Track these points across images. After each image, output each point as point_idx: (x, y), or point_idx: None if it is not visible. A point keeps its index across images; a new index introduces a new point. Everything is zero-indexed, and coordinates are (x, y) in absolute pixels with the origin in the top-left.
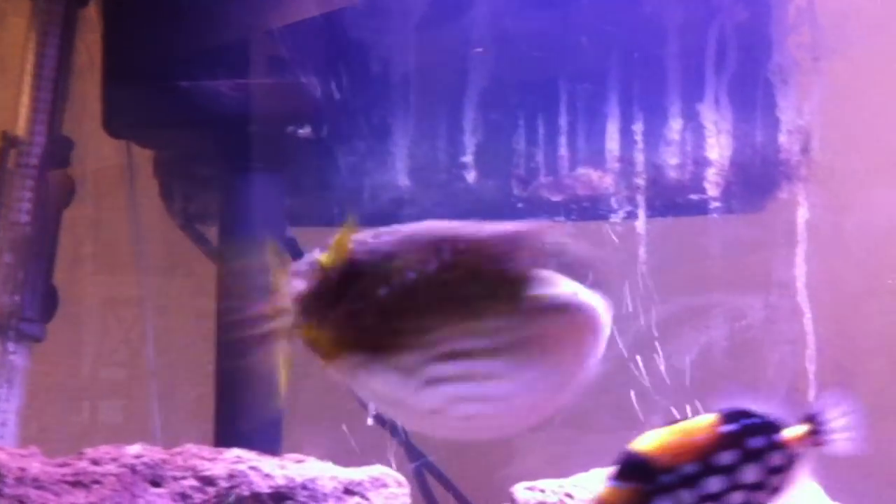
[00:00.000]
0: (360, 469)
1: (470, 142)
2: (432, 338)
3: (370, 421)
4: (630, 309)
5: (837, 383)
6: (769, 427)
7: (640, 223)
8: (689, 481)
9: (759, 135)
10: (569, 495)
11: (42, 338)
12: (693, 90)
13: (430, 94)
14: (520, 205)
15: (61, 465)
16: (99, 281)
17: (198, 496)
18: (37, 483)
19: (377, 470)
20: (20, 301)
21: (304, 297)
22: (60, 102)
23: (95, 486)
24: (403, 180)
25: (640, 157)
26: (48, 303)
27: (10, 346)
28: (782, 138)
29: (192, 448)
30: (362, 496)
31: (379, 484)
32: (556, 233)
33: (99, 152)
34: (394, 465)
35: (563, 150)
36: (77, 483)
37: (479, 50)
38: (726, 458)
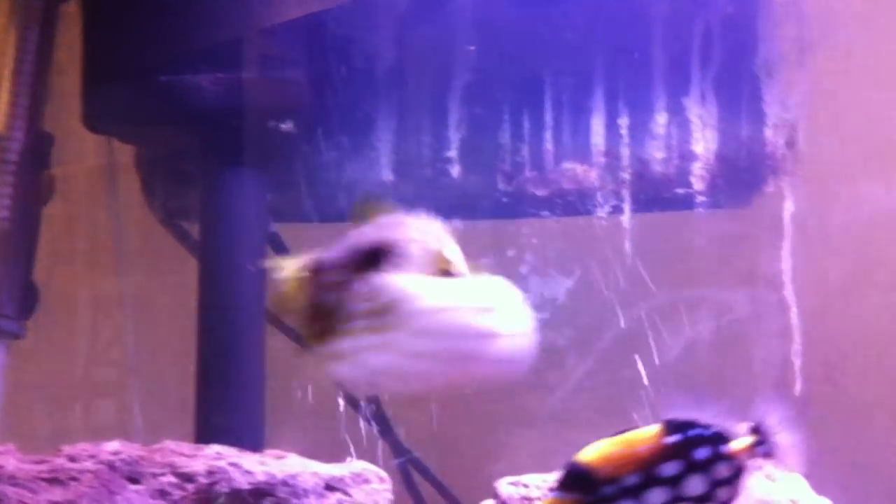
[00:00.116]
0: (341, 465)
1: (454, 136)
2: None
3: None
4: (615, 304)
5: (823, 379)
6: (715, 438)
7: (626, 218)
8: (632, 492)
9: (745, 129)
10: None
11: (21, 335)
12: (678, 84)
13: (414, 88)
14: (505, 199)
15: (38, 462)
16: (82, 278)
17: (177, 493)
18: (13, 480)
19: (359, 466)
20: None
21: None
22: (41, 98)
23: (73, 484)
24: (387, 175)
25: (625, 152)
26: (27, 300)
27: None
28: (768, 132)
29: (171, 445)
30: (344, 492)
31: (361, 480)
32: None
33: (80, 148)
34: (381, 462)
35: (549, 145)
36: (54, 480)
37: (472, 48)
38: (670, 469)
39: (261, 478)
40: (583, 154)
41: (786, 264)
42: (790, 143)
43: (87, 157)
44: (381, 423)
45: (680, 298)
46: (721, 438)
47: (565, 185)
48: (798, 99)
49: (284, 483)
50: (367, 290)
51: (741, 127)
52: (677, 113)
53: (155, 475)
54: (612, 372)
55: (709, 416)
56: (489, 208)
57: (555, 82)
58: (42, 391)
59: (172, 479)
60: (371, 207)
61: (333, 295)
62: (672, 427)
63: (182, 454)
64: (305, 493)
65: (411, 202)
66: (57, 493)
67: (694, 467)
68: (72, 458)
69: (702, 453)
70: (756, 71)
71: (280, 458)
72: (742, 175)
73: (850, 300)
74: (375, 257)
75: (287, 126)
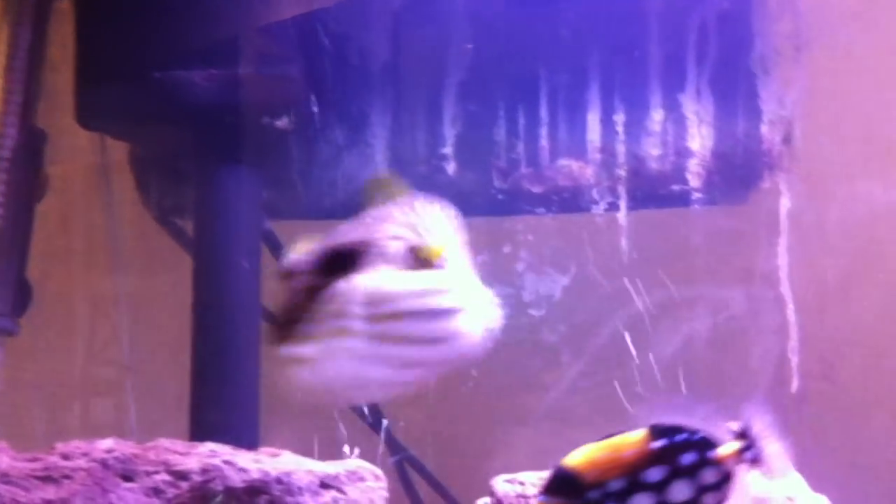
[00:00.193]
0: (336, 463)
1: (450, 133)
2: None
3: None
4: (611, 302)
5: (819, 376)
6: (702, 443)
7: (622, 215)
8: (617, 497)
9: (741, 125)
10: None
11: (15, 332)
12: (674, 80)
13: (408, 85)
14: (500, 196)
15: (31, 460)
16: (76, 276)
17: (170, 491)
18: (6, 478)
19: (354, 463)
20: None
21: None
22: (34, 95)
23: (66, 481)
24: (382, 172)
25: (621, 148)
26: (21, 297)
27: None
28: (764, 129)
29: (165, 442)
30: (339, 490)
31: (356, 478)
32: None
33: (74, 146)
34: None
35: (544, 142)
36: (47, 478)
37: (469, 46)
38: (655, 474)
39: (255, 475)
40: (578, 151)
41: (782, 261)
42: (786, 140)
43: (81, 154)
44: (378, 420)
45: (676, 296)
46: (708, 444)
47: (561, 181)
48: (794, 95)
49: (279, 481)
50: (331, 295)
51: (737, 123)
52: (673, 109)
53: (149, 473)
54: (608, 370)
55: (697, 421)
56: (484, 205)
57: (550, 79)
58: (37, 389)
59: (166, 476)
60: (381, 189)
61: (301, 298)
62: (658, 432)
63: (176, 452)
64: (300, 490)
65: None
66: (50, 491)
67: (680, 472)
68: (65, 456)
69: (688, 458)
70: (752, 67)
71: (274, 455)
72: (738, 172)
73: (848, 297)
74: (350, 258)
75: (281, 123)
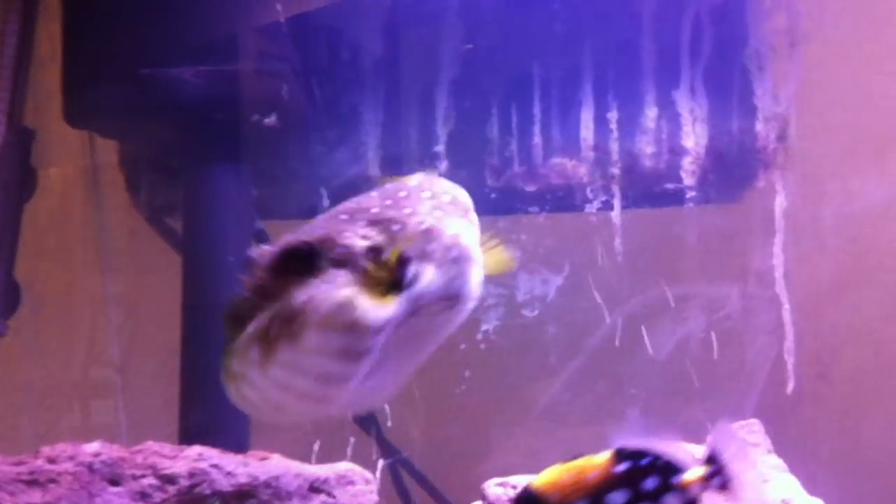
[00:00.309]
0: (325, 466)
1: (442, 131)
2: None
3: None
4: (606, 301)
5: (815, 376)
6: (666, 468)
7: (616, 213)
8: None
9: (736, 123)
10: None
11: (3, 333)
12: (668, 77)
13: (401, 82)
14: (493, 195)
15: (16, 464)
16: (66, 277)
17: (158, 495)
18: None
19: (343, 466)
20: None
21: None
22: (21, 92)
23: (52, 486)
24: (374, 170)
25: (614, 146)
26: (10, 298)
27: None
28: (759, 126)
29: (153, 446)
30: (328, 494)
31: (345, 481)
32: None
33: (64, 144)
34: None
35: (537, 139)
36: (33, 482)
37: (469, 46)
38: (618, 498)
39: (243, 479)
40: (572, 149)
41: (777, 260)
42: (781, 137)
43: (70, 153)
44: (371, 423)
45: (671, 295)
46: (672, 468)
47: (554, 180)
48: (790, 92)
49: (267, 485)
50: (281, 309)
51: (732, 121)
52: (667, 107)
53: (136, 477)
54: (602, 370)
55: (663, 444)
56: (477, 204)
57: (543, 76)
58: (25, 391)
59: (153, 480)
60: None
61: (251, 300)
62: (623, 455)
63: (163, 455)
64: (289, 495)
65: None
66: (36, 496)
67: (642, 497)
68: (51, 460)
69: (651, 483)
70: (747, 64)
71: (263, 459)
72: (733, 170)
73: (843, 296)
74: (307, 258)
75: (271, 120)
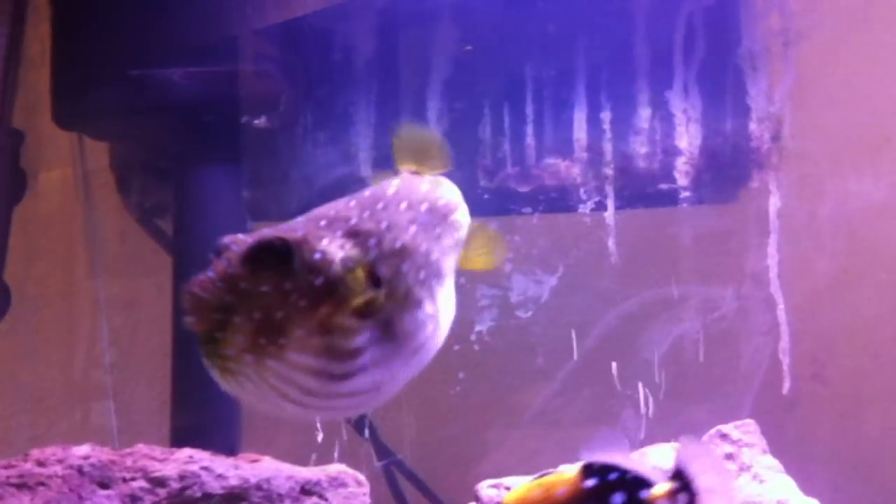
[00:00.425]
0: (317, 468)
1: (435, 132)
2: None
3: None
4: (599, 302)
5: (810, 377)
6: (633, 483)
7: (610, 214)
8: None
9: (730, 123)
10: None
11: None
12: (662, 77)
13: (393, 82)
14: (486, 196)
15: (6, 467)
16: (56, 279)
17: (148, 498)
18: None
19: (335, 468)
20: None
21: None
22: (10, 94)
23: (41, 489)
24: (366, 171)
25: (608, 147)
26: (0, 300)
27: None
28: (753, 126)
29: (143, 448)
30: (320, 496)
31: (337, 483)
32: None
33: (53, 146)
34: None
35: (530, 140)
36: (22, 485)
37: (468, 48)
38: None
39: (234, 482)
40: (565, 149)
41: (772, 260)
42: (775, 137)
43: (61, 155)
44: (365, 425)
45: (665, 296)
46: (639, 484)
47: (547, 181)
48: (783, 92)
49: (258, 487)
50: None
51: (726, 121)
52: (660, 107)
53: (126, 480)
54: (597, 371)
55: (631, 460)
56: (470, 205)
57: (536, 76)
58: (17, 393)
59: (144, 483)
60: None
61: (221, 289)
62: (591, 470)
63: (154, 458)
64: (280, 497)
65: None
66: (25, 499)
67: None
68: (40, 463)
69: (618, 499)
70: (740, 64)
71: (254, 461)
72: (727, 170)
73: (839, 297)
74: (280, 255)
75: (261, 121)
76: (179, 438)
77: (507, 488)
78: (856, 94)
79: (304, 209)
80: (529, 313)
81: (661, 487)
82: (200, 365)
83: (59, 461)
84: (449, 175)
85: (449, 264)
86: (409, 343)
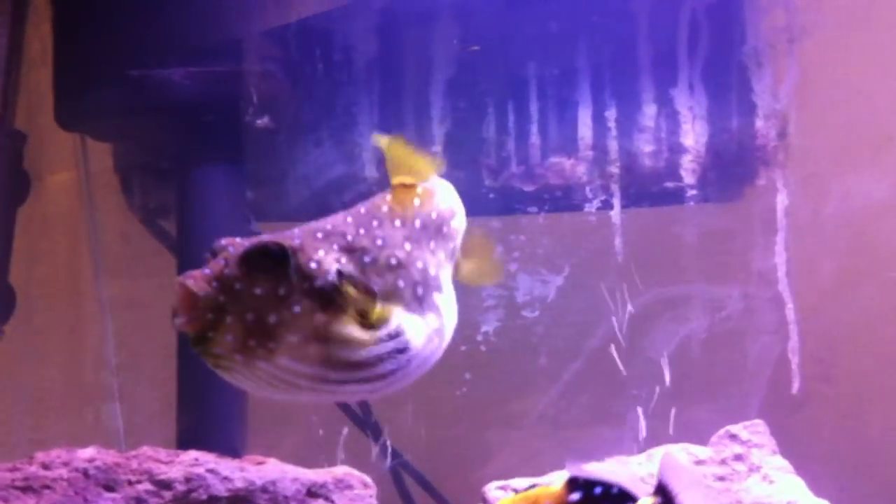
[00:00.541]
0: (323, 470)
1: (438, 131)
2: None
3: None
4: (605, 302)
5: (818, 377)
6: (618, 497)
7: (615, 213)
8: None
9: (735, 120)
10: None
11: None
12: (666, 75)
13: (396, 82)
14: (491, 196)
15: (11, 470)
16: (61, 281)
17: (153, 500)
18: None
19: (341, 470)
20: None
21: None
22: (12, 95)
23: (46, 492)
24: (371, 172)
25: (613, 145)
26: (5, 302)
27: None
28: (759, 123)
29: (148, 451)
30: (326, 498)
31: (343, 485)
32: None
33: (55, 147)
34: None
35: (535, 139)
36: (27, 488)
37: (475, 48)
38: None
39: (239, 484)
40: (570, 148)
41: (780, 259)
42: (781, 134)
43: (64, 157)
44: (371, 426)
45: (672, 295)
46: (624, 498)
47: (552, 180)
48: (788, 88)
49: (264, 490)
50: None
51: (731, 118)
52: (665, 105)
53: (131, 482)
54: (602, 372)
55: (616, 473)
56: (475, 205)
57: (540, 75)
58: (21, 395)
59: (149, 486)
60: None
61: (217, 289)
62: (576, 484)
63: (159, 461)
64: (286, 500)
65: None
66: (30, 502)
67: None
68: (45, 466)
69: None
70: (745, 60)
71: (260, 463)
72: (733, 168)
73: (846, 295)
74: (279, 259)
75: (264, 121)
76: (184, 440)
77: (515, 490)
78: (862, 91)
79: (306, 209)
80: (536, 313)
81: (644, 502)
82: (205, 366)
83: (65, 464)
84: (453, 175)
85: (446, 274)
86: (409, 355)
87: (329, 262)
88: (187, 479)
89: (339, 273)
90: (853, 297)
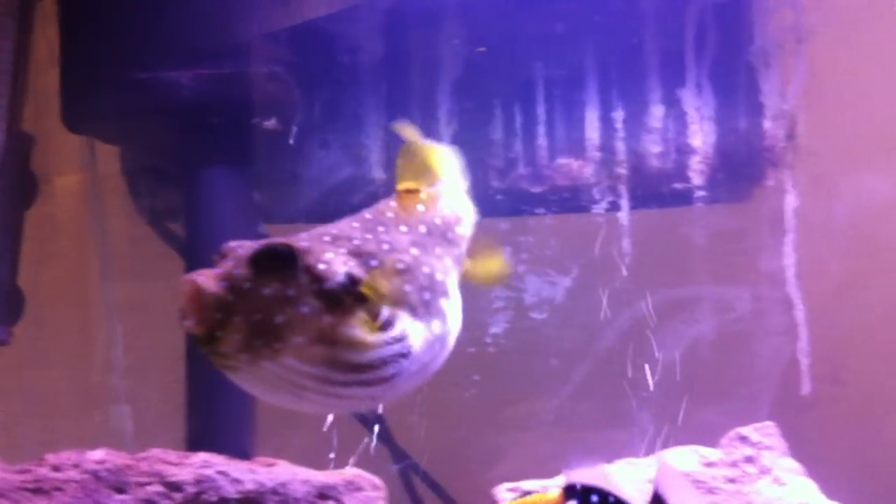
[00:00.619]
0: (333, 472)
1: (445, 132)
2: None
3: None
4: (614, 304)
5: (828, 378)
6: None
7: (623, 214)
8: None
9: (743, 121)
10: None
11: (7, 341)
12: (674, 76)
13: (403, 83)
14: (498, 197)
15: (21, 472)
16: (69, 284)
17: (163, 502)
18: None
19: (351, 472)
20: None
21: None
22: (20, 98)
23: (57, 494)
24: (378, 173)
25: (621, 146)
26: (13, 305)
27: None
28: (767, 124)
29: (158, 453)
30: (336, 500)
31: (353, 487)
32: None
33: (63, 150)
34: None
35: (542, 140)
36: (38, 490)
37: (482, 49)
38: None
39: (250, 486)
40: (577, 149)
41: (789, 260)
42: (790, 135)
43: (72, 159)
44: (381, 428)
45: (681, 297)
46: None
47: (560, 181)
48: (797, 89)
49: (274, 492)
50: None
51: (739, 119)
52: (673, 105)
53: (141, 484)
54: (612, 373)
55: (612, 482)
56: (482, 206)
57: (547, 76)
58: (30, 398)
59: (159, 488)
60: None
61: (225, 290)
62: (572, 493)
63: (169, 462)
64: (297, 501)
65: None
66: None
67: None
68: (56, 468)
69: None
70: (753, 61)
71: (270, 465)
72: (741, 168)
73: (856, 296)
74: (287, 261)
75: (271, 123)
76: (194, 442)
77: (526, 492)
78: (872, 90)
79: (314, 211)
80: (544, 315)
81: None
82: (214, 368)
83: (75, 466)
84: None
85: (452, 280)
86: (411, 360)
87: (338, 264)
88: (197, 481)
89: (349, 275)
90: (863, 298)
